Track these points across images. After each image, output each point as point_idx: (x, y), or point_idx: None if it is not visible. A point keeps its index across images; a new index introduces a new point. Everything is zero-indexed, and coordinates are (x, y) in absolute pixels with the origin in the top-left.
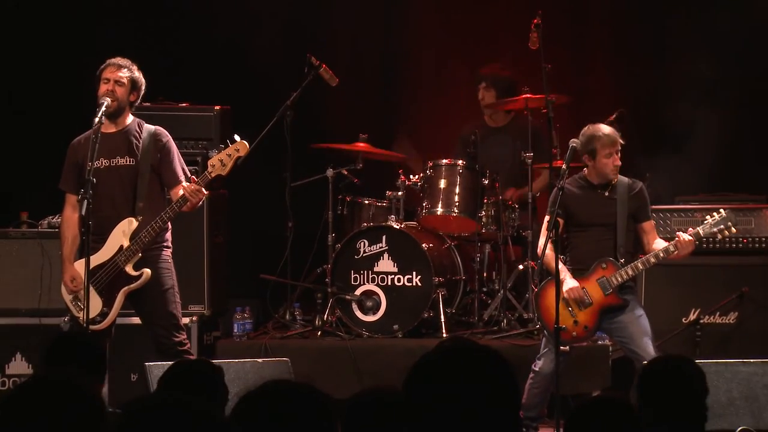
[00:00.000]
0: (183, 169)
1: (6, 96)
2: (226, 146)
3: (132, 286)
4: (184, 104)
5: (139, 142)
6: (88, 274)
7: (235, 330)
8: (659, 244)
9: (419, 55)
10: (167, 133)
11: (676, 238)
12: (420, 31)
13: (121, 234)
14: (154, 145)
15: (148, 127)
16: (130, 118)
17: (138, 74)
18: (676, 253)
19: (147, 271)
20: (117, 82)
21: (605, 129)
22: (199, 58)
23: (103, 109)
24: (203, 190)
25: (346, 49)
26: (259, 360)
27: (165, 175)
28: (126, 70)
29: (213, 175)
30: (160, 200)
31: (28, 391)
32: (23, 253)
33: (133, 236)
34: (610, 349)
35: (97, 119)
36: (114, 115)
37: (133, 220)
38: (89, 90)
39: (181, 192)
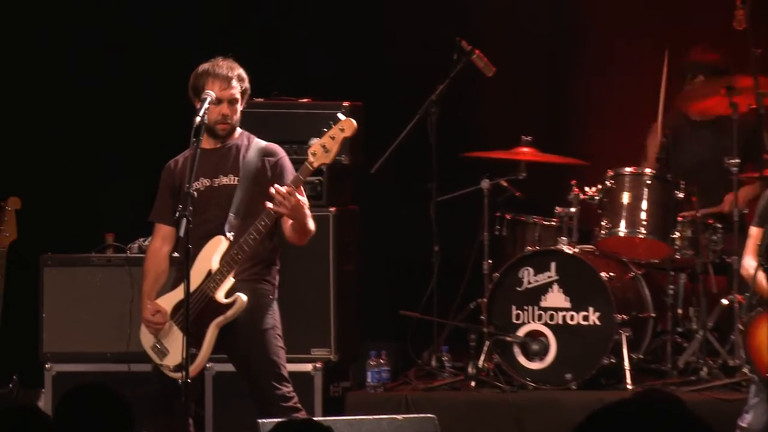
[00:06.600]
0: None
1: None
2: (329, 129)
3: (227, 314)
4: (305, 100)
5: (244, 158)
6: (187, 310)
7: (369, 379)
8: None
9: (596, 35)
10: (280, 149)
11: None
12: (597, 4)
13: (209, 256)
14: (263, 163)
15: (258, 142)
16: (238, 131)
17: (244, 75)
18: None
19: (241, 297)
20: (230, 101)
21: None
22: (322, 44)
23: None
24: (296, 194)
25: (506, 30)
26: (399, 416)
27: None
28: (235, 81)
29: (316, 165)
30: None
31: None
32: (108, 283)
33: (224, 257)
34: None
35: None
36: (226, 136)
37: (222, 238)
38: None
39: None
